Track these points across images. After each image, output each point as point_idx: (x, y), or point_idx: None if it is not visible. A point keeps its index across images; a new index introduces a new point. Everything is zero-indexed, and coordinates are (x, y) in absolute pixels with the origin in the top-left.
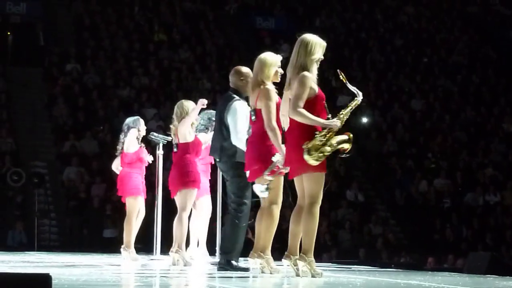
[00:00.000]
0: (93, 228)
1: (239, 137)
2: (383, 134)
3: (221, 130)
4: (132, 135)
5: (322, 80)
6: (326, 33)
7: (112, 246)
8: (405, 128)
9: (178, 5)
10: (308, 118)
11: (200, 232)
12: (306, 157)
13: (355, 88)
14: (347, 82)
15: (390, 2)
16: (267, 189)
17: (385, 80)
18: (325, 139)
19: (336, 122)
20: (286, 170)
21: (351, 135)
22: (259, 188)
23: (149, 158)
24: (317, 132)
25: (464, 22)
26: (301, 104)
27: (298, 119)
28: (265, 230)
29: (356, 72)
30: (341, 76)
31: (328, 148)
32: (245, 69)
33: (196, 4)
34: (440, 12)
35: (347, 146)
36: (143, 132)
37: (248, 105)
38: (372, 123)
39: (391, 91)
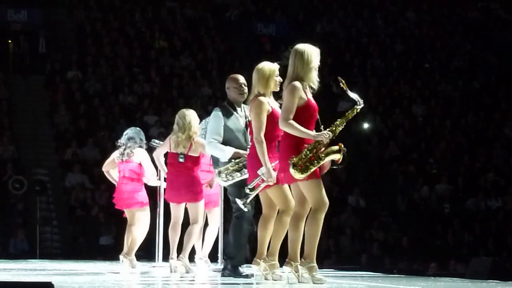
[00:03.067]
0: (94, 236)
1: (210, 144)
2: (385, 139)
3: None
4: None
5: (323, 86)
6: (327, 38)
7: (113, 253)
8: (406, 134)
9: (179, 12)
10: (298, 130)
11: (210, 239)
12: (291, 171)
13: (356, 95)
14: (348, 90)
15: (391, 8)
16: (246, 204)
17: (386, 85)
18: (314, 152)
19: (326, 135)
20: (270, 183)
21: (342, 146)
22: (239, 203)
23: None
24: (306, 145)
25: (465, 28)
26: (291, 115)
27: (288, 130)
28: (274, 236)
29: (357, 78)
30: (341, 84)
31: (315, 162)
32: (237, 76)
33: (197, 11)
34: (441, 17)
35: (338, 156)
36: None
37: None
38: (374, 128)
39: (392, 96)
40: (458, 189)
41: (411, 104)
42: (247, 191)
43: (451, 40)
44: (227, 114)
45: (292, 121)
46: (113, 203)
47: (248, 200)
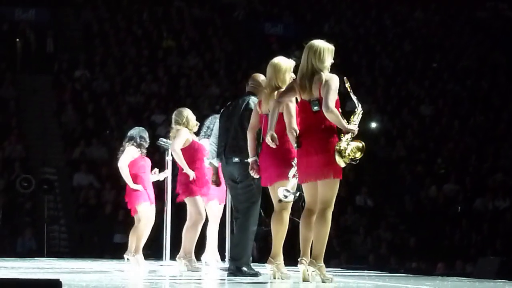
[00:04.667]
0: (103, 234)
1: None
2: (392, 139)
3: (244, 131)
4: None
5: None
6: (335, 38)
7: (122, 251)
8: (414, 134)
9: (187, 12)
10: (339, 118)
11: (211, 237)
12: (337, 158)
13: (356, 99)
14: (351, 92)
15: (399, 8)
16: (292, 193)
17: (394, 85)
18: (350, 142)
19: (356, 128)
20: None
21: (364, 144)
22: (283, 193)
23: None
24: (341, 135)
25: (473, 27)
26: (334, 102)
27: (331, 116)
28: (275, 236)
29: (365, 78)
30: (346, 85)
31: (351, 153)
32: (263, 76)
33: (204, 11)
34: (449, 17)
35: (359, 155)
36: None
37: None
38: (381, 128)
39: (400, 96)
40: (466, 189)
41: (419, 104)
42: (291, 176)
43: (459, 40)
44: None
45: (336, 109)
46: (125, 202)
47: (292, 191)
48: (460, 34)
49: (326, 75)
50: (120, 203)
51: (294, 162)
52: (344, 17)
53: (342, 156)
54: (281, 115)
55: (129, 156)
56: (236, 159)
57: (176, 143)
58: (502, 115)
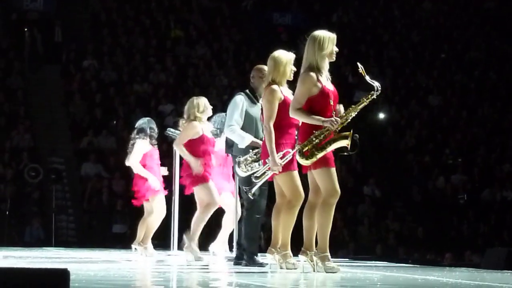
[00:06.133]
0: (106, 224)
1: (231, 128)
2: (400, 130)
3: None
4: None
5: (338, 76)
6: (343, 29)
7: (121, 241)
8: (422, 124)
9: (195, 1)
10: (306, 117)
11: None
12: (297, 157)
13: (374, 81)
14: (366, 75)
15: None
16: (249, 192)
17: (402, 76)
18: (321, 138)
19: (335, 121)
20: (276, 171)
21: (351, 132)
22: (246, 191)
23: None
24: (314, 131)
25: (481, 18)
26: (298, 105)
27: (297, 118)
28: (283, 227)
29: (373, 68)
30: (360, 70)
31: (322, 148)
32: (264, 67)
33: (212, 1)
34: (457, 7)
35: (346, 142)
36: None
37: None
38: (389, 119)
39: (408, 87)
40: (474, 180)
41: (427, 95)
42: (253, 179)
43: (467, 30)
44: (250, 102)
45: (300, 110)
46: (132, 195)
47: (254, 189)
48: (468, 24)
49: (303, 74)
50: (131, 193)
51: (268, 160)
52: (352, 7)
53: (302, 156)
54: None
55: (139, 154)
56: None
57: (179, 138)
58: (510, 106)
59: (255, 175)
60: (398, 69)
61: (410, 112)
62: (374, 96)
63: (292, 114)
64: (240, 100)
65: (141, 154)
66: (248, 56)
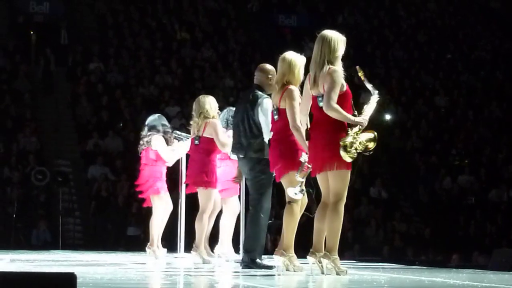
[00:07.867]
0: (117, 227)
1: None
2: (407, 130)
3: (250, 127)
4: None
5: (345, 77)
6: (349, 30)
7: (136, 244)
8: (428, 125)
9: (201, 3)
10: (342, 114)
11: (227, 230)
12: (342, 153)
13: (371, 86)
14: (365, 80)
15: None
16: (301, 191)
17: (409, 76)
18: (357, 136)
19: (365, 120)
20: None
21: (376, 134)
22: (293, 191)
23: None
24: (349, 129)
25: (487, 17)
26: (335, 99)
27: (333, 114)
28: (286, 228)
29: (379, 69)
30: (359, 73)
31: (360, 146)
32: (270, 67)
33: (218, 2)
34: (463, 7)
35: (372, 145)
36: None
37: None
38: (396, 119)
39: (415, 87)
40: (480, 180)
41: (433, 95)
42: (299, 178)
43: (473, 30)
44: None
45: (337, 105)
46: (137, 192)
47: (302, 188)
48: (474, 24)
49: (330, 69)
50: (135, 194)
51: (302, 159)
52: (357, 8)
53: (347, 151)
54: (284, 111)
55: (165, 148)
56: (241, 155)
57: (221, 136)
58: None
59: (297, 175)
60: (404, 69)
61: (417, 112)
62: (373, 103)
63: (328, 109)
64: (270, 105)
65: (164, 145)
66: (253, 57)
